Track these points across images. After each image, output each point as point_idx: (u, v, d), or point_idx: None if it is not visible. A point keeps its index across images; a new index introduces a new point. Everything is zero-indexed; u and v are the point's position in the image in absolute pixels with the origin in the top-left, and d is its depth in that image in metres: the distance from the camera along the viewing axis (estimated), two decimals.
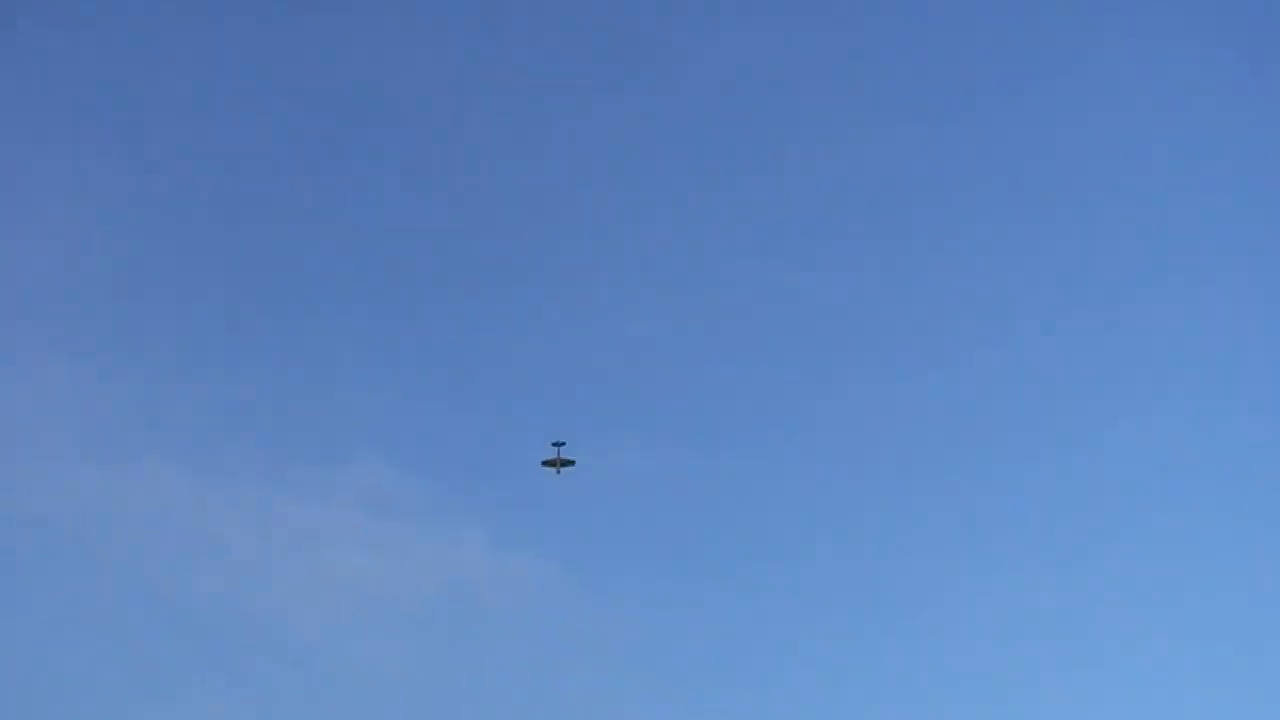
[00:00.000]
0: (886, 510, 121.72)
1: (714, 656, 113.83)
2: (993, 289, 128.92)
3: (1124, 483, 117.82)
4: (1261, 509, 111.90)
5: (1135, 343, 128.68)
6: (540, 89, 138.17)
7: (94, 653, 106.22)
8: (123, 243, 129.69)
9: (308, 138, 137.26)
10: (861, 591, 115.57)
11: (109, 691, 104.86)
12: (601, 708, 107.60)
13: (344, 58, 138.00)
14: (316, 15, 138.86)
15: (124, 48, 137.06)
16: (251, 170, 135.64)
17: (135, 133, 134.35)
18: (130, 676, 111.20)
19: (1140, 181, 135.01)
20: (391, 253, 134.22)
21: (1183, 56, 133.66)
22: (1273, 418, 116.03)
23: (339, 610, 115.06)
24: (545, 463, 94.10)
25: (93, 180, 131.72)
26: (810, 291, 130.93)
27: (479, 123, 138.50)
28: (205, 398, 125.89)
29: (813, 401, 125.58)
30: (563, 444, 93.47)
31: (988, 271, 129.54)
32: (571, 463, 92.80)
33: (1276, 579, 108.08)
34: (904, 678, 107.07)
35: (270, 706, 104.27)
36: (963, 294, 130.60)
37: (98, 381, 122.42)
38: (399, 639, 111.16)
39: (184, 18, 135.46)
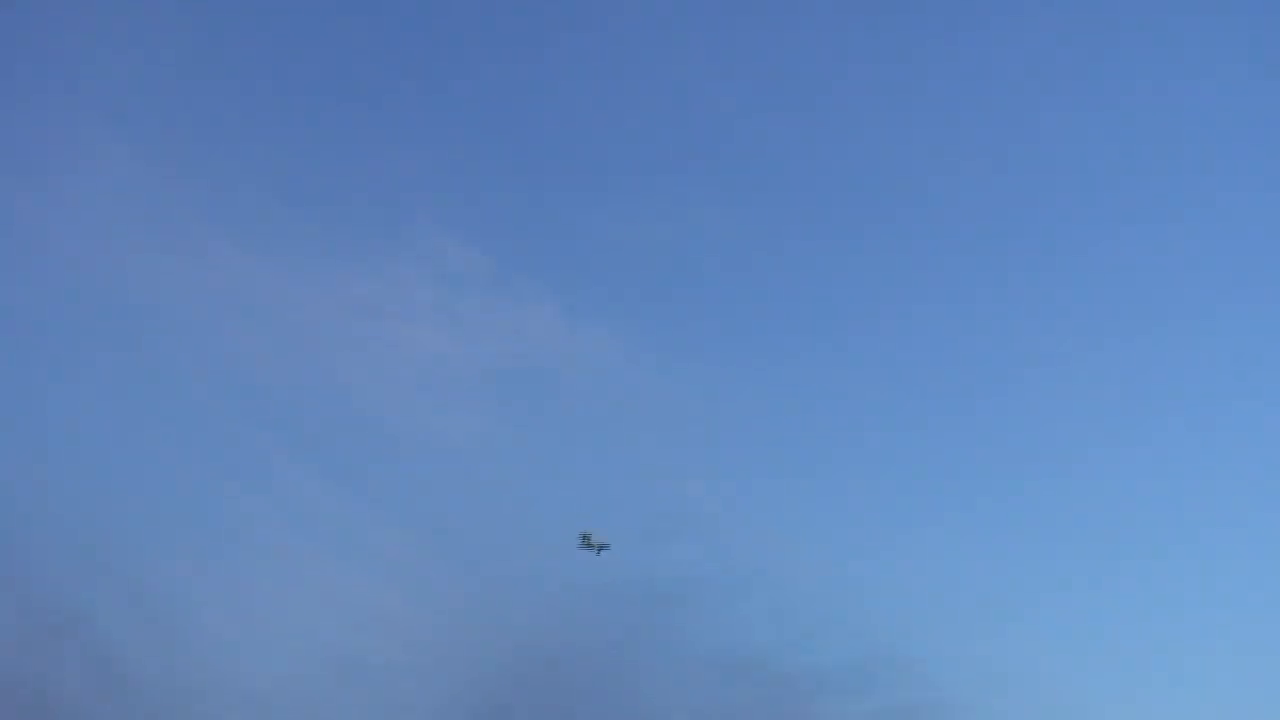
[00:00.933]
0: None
1: (795, 427, 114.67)
2: None
3: None
4: None
5: None
6: None
7: (172, 434, 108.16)
8: (186, 35, 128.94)
9: None
10: (948, 371, 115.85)
11: (188, 472, 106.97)
12: (668, 473, 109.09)
13: None
14: None
15: None
16: None
17: None
18: (207, 456, 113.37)
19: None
20: (451, 27, 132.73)
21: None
22: None
23: (410, 385, 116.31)
24: (582, 546, 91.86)
25: None
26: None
27: None
28: (268, 178, 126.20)
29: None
30: (590, 533, 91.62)
31: None
32: (607, 545, 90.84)
33: None
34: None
35: (346, 481, 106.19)
36: None
37: (169, 164, 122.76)
38: (470, 412, 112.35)
39: None
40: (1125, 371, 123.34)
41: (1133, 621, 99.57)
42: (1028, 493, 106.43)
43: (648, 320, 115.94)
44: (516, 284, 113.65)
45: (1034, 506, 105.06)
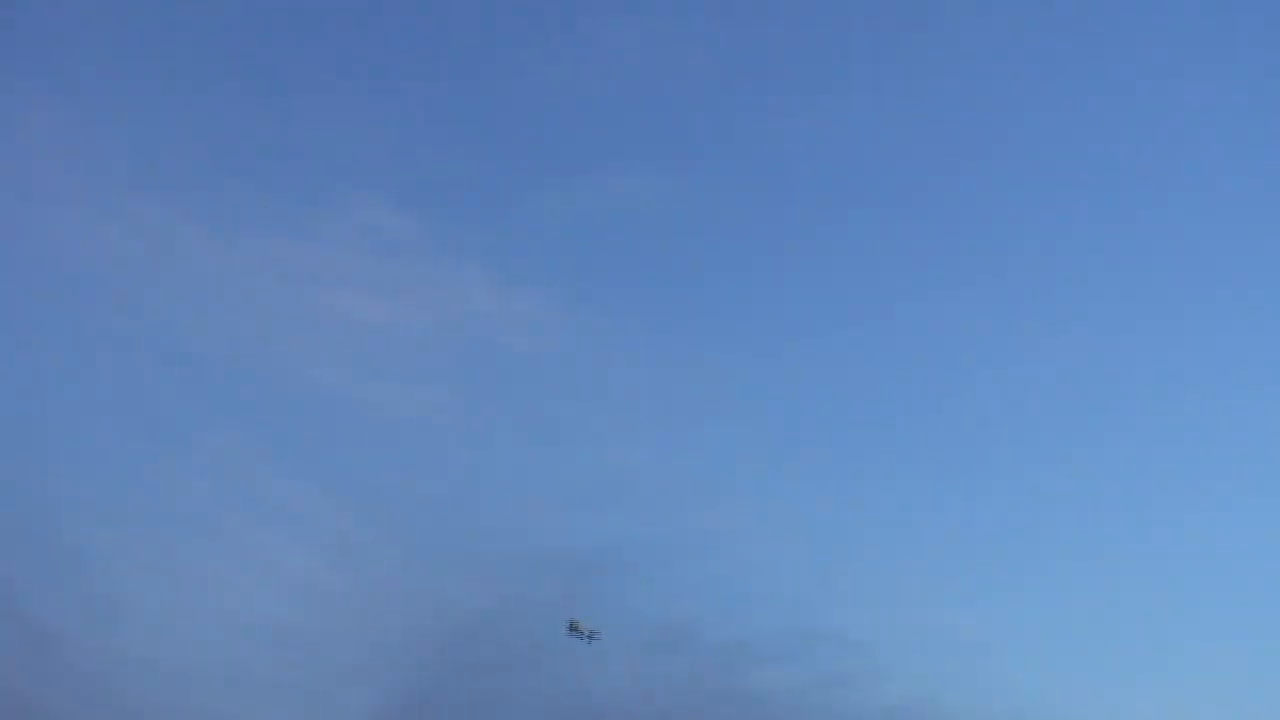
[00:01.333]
0: (879, 235, 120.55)
1: (726, 393, 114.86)
2: None
3: None
4: None
5: None
6: None
7: (99, 402, 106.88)
8: None
9: None
10: (885, 336, 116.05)
11: (117, 441, 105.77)
12: (601, 440, 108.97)
13: None
14: None
15: None
16: None
17: None
18: (136, 424, 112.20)
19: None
20: None
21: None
22: None
23: (343, 352, 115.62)
24: (570, 633, 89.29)
25: None
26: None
27: None
28: (201, 140, 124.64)
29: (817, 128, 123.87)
30: (578, 621, 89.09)
31: None
32: (597, 633, 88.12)
33: None
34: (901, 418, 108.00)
35: (278, 450, 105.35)
36: None
37: (95, 124, 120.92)
38: (406, 380, 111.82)
39: None
40: (1053, 347, 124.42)
41: (1068, 589, 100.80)
42: (960, 462, 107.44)
43: (584, 286, 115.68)
44: (452, 251, 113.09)
45: (967, 475, 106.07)
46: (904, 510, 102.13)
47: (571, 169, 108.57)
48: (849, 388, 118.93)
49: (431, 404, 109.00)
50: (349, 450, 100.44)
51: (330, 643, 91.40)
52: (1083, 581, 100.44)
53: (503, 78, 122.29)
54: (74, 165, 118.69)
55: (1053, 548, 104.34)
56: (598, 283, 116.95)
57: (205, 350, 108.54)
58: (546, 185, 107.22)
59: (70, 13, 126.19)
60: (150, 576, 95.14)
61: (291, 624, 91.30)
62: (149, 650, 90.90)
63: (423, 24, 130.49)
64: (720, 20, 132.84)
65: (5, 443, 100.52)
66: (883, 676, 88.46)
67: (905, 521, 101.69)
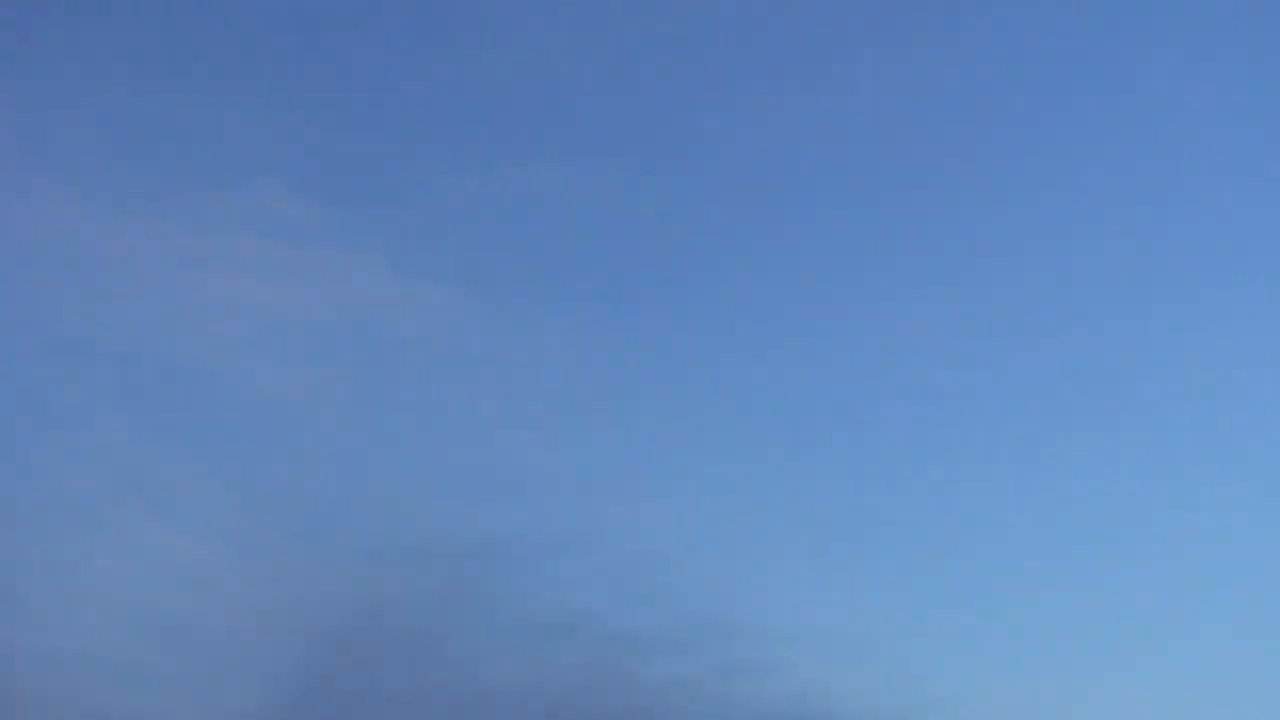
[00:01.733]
0: (815, 236, 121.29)
1: (622, 381, 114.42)
2: None
3: None
4: None
5: None
6: None
7: None
8: None
9: None
10: (779, 318, 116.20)
11: (3, 427, 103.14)
12: (493, 427, 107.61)
13: None
14: None
15: None
16: None
17: None
18: (19, 409, 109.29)
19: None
20: None
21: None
22: None
23: (235, 337, 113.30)
24: None
25: None
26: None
27: None
28: (91, 123, 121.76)
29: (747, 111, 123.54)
30: None
31: None
32: None
33: None
34: (828, 414, 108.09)
35: (167, 437, 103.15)
36: None
37: None
38: (298, 366, 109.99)
39: None
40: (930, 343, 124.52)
41: (974, 577, 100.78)
42: (860, 449, 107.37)
43: (486, 277, 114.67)
44: (350, 238, 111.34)
45: (865, 464, 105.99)
46: (808, 500, 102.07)
47: (480, 158, 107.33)
48: (755, 374, 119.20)
49: (325, 392, 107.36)
50: (239, 437, 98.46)
51: (220, 632, 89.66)
52: (984, 571, 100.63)
53: (409, 62, 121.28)
54: None
55: (960, 538, 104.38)
56: (501, 274, 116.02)
57: (93, 334, 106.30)
58: (452, 173, 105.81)
59: None
60: (34, 565, 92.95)
61: (180, 613, 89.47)
62: (33, 640, 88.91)
63: (323, 6, 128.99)
64: (645, 6, 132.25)
65: None
66: (781, 667, 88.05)
67: (810, 512, 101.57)
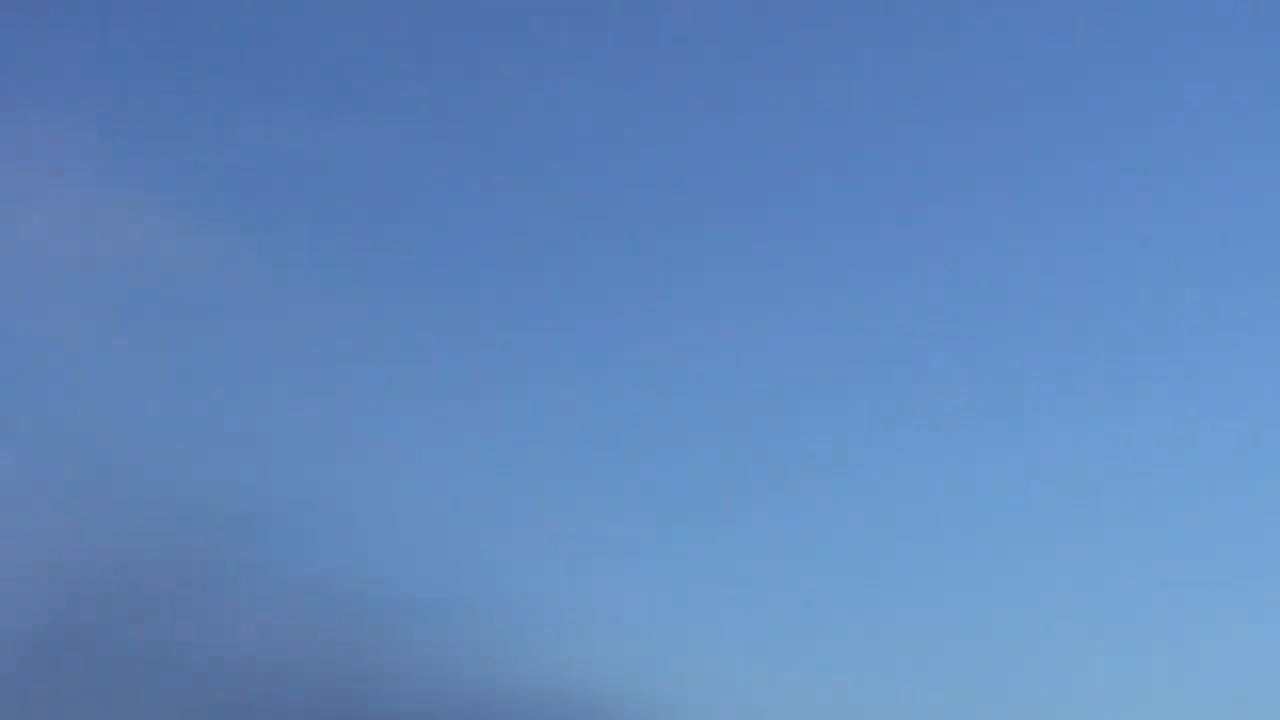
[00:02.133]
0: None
1: (423, 344, 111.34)
2: None
3: None
4: None
5: None
6: None
7: None
8: None
9: None
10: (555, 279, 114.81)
11: None
12: (266, 388, 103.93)
13: None
14: None
15: None
16: None
17: None
18: None
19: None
20: None
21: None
22: None
23: (10, 279, 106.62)
24: None
25: None
26: None
27: None
28: None
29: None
30: None
31: None
32: None
33: None
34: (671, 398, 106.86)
35: None
36: None
37: None
38: (66, 310, 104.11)
39: None
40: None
41: (750, 565, 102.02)
42: (651, 428, 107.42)
43: (274, 229, 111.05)
44: (133, 184, 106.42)
45: (653, 441, 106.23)
46: (581, 480, 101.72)
47: (273, 108, 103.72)
48: (528, 338, 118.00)
49: (92, 339, 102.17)
50: (7, 382, 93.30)
51: None
52: (747, 558, 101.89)
53: (228, 9, 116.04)
54: None
55: (724, 524, 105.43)
56: (290, 227, 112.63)
57: None
58: (244, 122, 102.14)
59: None
60: None
61: None
62: None
63: None
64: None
65: None
66: (535, 645, 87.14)
67: (580, 489, 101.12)
